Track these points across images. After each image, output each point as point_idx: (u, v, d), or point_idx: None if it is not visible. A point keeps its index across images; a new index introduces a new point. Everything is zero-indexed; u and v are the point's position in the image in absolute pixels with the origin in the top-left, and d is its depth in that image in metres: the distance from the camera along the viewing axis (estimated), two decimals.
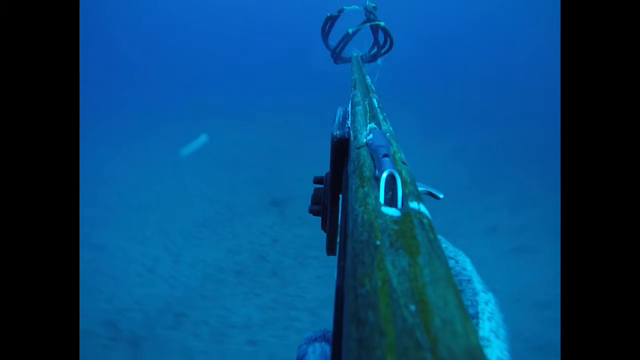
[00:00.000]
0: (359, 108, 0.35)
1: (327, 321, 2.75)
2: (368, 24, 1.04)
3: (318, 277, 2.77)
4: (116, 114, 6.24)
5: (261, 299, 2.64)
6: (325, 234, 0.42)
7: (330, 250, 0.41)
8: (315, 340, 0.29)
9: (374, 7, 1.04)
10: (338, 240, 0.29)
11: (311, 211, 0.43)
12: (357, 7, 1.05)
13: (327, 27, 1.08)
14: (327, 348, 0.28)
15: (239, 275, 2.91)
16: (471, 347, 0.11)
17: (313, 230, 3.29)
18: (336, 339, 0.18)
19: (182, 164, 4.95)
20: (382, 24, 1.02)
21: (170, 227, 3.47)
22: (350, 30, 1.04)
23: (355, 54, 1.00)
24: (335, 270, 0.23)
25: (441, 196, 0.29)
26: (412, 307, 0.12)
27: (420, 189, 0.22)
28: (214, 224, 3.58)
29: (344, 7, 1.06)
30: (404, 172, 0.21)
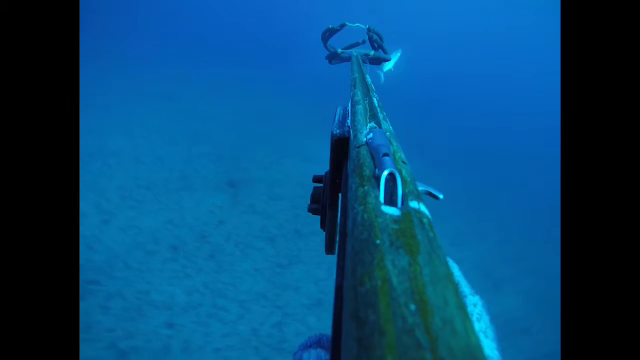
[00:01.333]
0: (359, 107, 0.35)
1: (256, 315, 2.68)
2: (367, 38, 1.10)
3: (256, 269, 2.68)
4: (88, 54, 5.66)
5: (191, 281, 2.47)
6: (324, 233, 0.42)
7: (329, 249, 0.41)
8: (310, 346, 0.29)
9: (376, 34, 1.09)
10: (337, 239, 0.29)
11: (310, 210, 0.43)
12: (361, 25, 1.10)
13: (327, 34, 1.11)
14: (323, 354, 0.28)
15: (173, 250, 2.70)
16: (471, 346, 0.11)
17: (263, 221, 3.20)
18: (335, 339, 0.18)
19: (141, 119, 4.54)
20: (371, 53, 1.06)
21: (107, 182, 3.12)
22: (339, 50, 1.09)
23: (355, 53, 1.02)
24: (335, 270, 0.23)
25: (441, 196, 0.28)
26: (412, 307, 0.12)
27: (419, 188, 0.22)
28: (159, 190, 3.31)
29: (347, 23, 1.11)
30: (404, 172, 0.21)
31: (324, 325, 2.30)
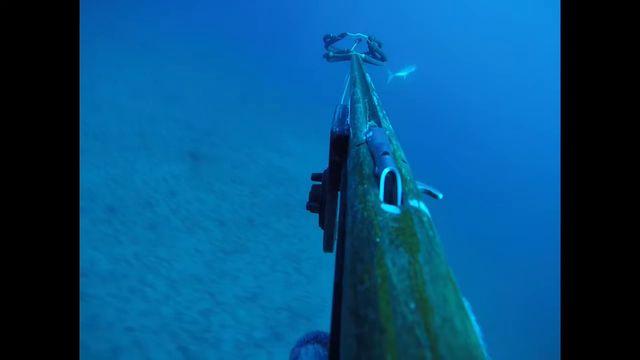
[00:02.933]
0: (359, 105, 0.35)
1: (184, 298, 2.50)
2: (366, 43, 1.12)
3: (198, 250, 2.53)
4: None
5: (121, 248, 2.25)
6: (322, 231, 0.41)
7: (327, 247, 0.41)
8: (308, 342, 0.29)
9: (376, 42, 1.11)
10: (336, 237, 0.28)
11: (309, 208, 0.42)
12: (363, 35, 1.10)
13: (327, 39, 1.13)
14: (321, 350, 0.27)
15: (110, 211, 2.46)
16: (470, 345, 0.11)
17: (218, 201, 3.05)
18: (334, 337, 0.18)
19: (108, 61, 4.13)
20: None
21: None
22: (331, 54, 1.12)
23: (355, 53, 1.02)
24: (333, 267, 0.23)
25: (440, 195, 0.28)
26: (412, 305, 0.12)
27: (419, 187, 0.22)
28: (111, 144, 3.02)
29: (348, 33, 1.12)
30: (403, 170, 0.21)
31: (255, 322, 2.24)
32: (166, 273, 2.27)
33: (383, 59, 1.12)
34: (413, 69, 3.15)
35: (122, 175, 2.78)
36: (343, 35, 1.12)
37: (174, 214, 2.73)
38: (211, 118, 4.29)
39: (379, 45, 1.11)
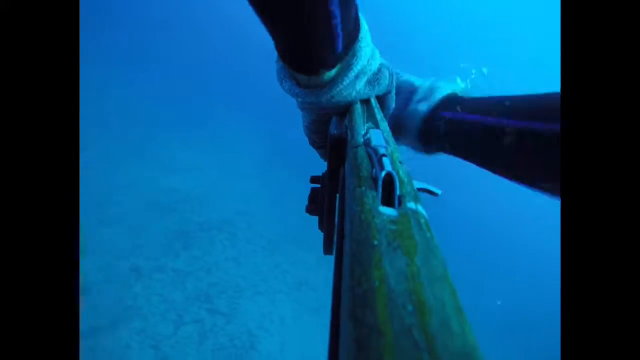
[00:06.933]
0: (357, 107, 0.35)
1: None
2: None
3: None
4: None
5: None
6: (322, 234, 0.42)
7: (327, 250, 0.41)
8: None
9: None
10: (335, 240, 0.29)
11: (308, 210, 0.43)
12: None
13: None
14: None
15: None
16: (468, 347, 0.11)
17: (83, 262, 2.08)
18: (332, 340, 0.18)
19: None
20: None
21: None
22: None
23: None
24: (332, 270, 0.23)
25: (439, 192, 0.28)
26: (410, 307, 0.12)
27: (417, 186, 0.22)
28: None
29: None
30: (401, 172, 0.21)
31: None
32: None
33: None
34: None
35: None
36: None
37: None
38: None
39: None
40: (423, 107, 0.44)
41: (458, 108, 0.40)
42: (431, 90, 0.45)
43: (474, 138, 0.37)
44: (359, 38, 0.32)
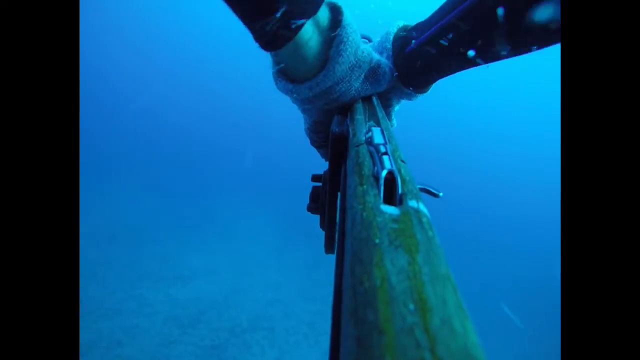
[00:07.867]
0: (358, 105, 0.35)
1: None
2: None
3: None
4: None
5: None
6: (324, 232, 0.42)
7: (328, 249, 0.41)
8: None
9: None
10: (337, 238, 0.29)
11: (309, 209, 0.43)
12: None
13: None
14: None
15: None
16: (470, 346, 0.11)
17: None
18: (334, 339, 0.18)
19: None
20: None
21: None
22: None
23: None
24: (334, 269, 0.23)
25: (440, 194, 0.28)
26: (411, 306, 0.12)
27: (418, 187, 0.22)
28: None
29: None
30: (403, 171, 0.21)
31: None
32: None
33: None
34: None
35: None
36: None
37: None
38: None
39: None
40: (388, 55, 0.43)
41: (413, 33, 0.40)
42: (383, 41, 0.45)
43: (443, 46, 0.37)
44: (343, 25, 0.31)
